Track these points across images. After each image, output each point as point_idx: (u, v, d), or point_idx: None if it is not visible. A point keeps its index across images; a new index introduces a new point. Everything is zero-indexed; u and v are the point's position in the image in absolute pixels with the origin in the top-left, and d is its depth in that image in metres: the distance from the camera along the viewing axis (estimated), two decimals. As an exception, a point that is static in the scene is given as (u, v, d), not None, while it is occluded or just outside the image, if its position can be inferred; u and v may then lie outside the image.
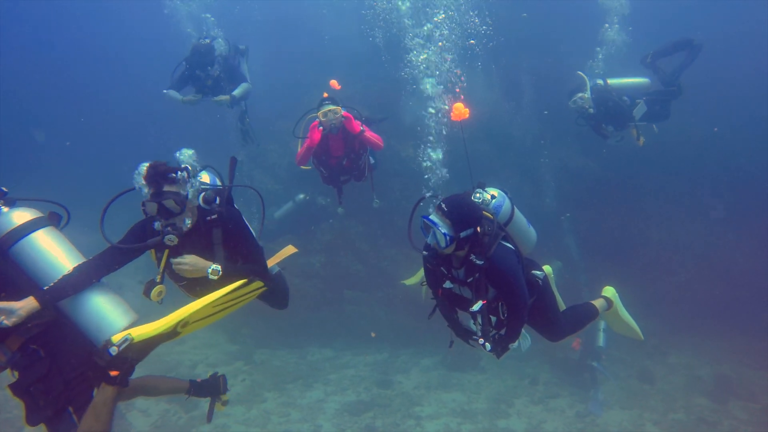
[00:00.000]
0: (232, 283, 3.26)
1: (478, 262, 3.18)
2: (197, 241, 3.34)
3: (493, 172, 10.33)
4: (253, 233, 3.62)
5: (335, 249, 10.17)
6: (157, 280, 3.35)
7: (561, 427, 7.35)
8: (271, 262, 3.94)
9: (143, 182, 3.14)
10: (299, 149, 6.36)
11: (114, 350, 2.66)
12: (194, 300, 3.51)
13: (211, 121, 11.81)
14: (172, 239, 3.13)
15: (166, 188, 3.12)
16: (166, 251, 3.33)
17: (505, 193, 4.00)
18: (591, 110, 6.88)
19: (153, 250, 3.42)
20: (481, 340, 3.29)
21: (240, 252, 3.46)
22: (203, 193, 3.36)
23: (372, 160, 6.80)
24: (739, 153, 11.56)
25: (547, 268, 4.52)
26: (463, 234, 3.10)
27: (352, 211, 9.93)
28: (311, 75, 12.71)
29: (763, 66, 13.20)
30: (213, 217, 3.33)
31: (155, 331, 2.79)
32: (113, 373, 2.76)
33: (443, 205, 3.13)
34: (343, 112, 6.01)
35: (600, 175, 10.69)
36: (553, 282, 4.58)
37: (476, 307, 3.23)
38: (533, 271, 3.61)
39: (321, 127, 5.99)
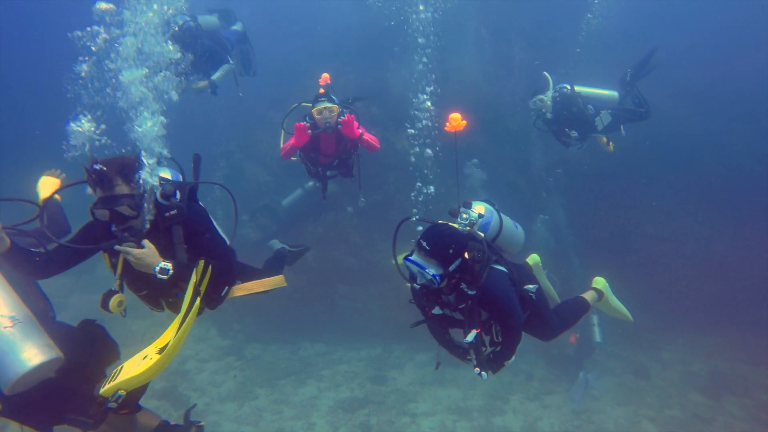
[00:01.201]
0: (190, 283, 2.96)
1: (470, 292, 3.04)
2: (156, 239, 3.00)
3: (489, 165, 10.18)
4: (221, 233, 3.33)
5: (328, 243, 9.99)
6: (115, 288, 3.00)
7: (557, 424, 7.29)
8: (256, 288, 3.57)
9: (91, 180, 2.74)
10: (283, 142, 6.14)
11: (113, 405, 2.49)
12: (158, 311, 3.33)
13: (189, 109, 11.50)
14: (129, 245, 2.82)
15: (118, 190, 2.74)
16: (122, 256, 2.95)
17: (492, 204, 3.89)
18: (548, 115, 6.66)
19: (106, 255, 3.07)
20: (477, 369, 3.17)
21: (204, 251, 3.11)
22: (161, 188, 3.02)
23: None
24: (733, 148, 11.54)
25: (534, 257, 4.47)
26: (452, 268, 2.95)
27: (345, 205, 9.78)
28: (304, 64, 12.46)
29: (757, 61, 13.17)
30: (172, 213, 3.00)
31: (144, 376, 2.53)
32: (122, 411, 2.64)
33: (424, 244, 2.94)
34: (343, 116, 5.76)
35: (596, 168, 10.60)
36: (542, 271, 4.55)
37: (470, 337, 3.09)
38: (526, 287, 3.46)
39: (310, 129, 5.74)
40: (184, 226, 3.04)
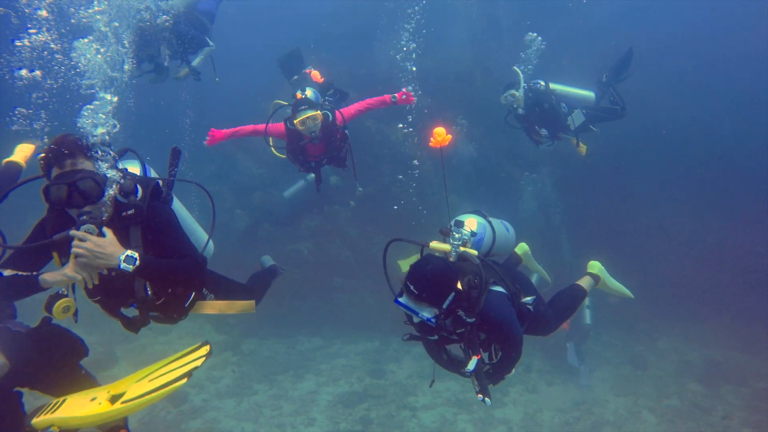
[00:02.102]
0: (154, 283, 2.72)
1: (468, 320, 2.90)
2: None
3: (485, 158, 10.13)
4: (186, 235, 2.93)
5: (323, 235, 9.89)
6: (63, 292, 2.60)
7: (558, 415, 7.30)
8: (225, 309, 3.16)
9: (47, 159, 2.42)
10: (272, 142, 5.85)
11: None
12: (118, 320, 2.96)
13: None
14: (90, 230, 2.46)
15: (81, 165, 2.44)
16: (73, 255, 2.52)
17: (482, 215, 3.77)
18: (520, 110, 6.42)
19: (56, 254, 2.69)
20: (480, 396, 3.08)
21: (166, 252, 2.75)
22: (120, 183, 2.63)
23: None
24: (722, 137, 11.61)
25: (522, 246, 4.38)
26: (446, 305, 2.80)
27: (341, 197, 9.68)
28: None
29: (746, 50, 13.21)
30: (130, 212, 2.63)
31: (85, 421, 2.32)
32: None
33: (411, 288, 2.75)
34: (328, 119, 5.36)
35: (592, 160, 10.57)
36: (532, 258, 4.48)
37: (471, 366, 2.95)
38: (524, 299, 3.34)
39: (293, 142, 5.43)
40: (143, 228, 2.69)
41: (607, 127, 7.31)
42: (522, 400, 7.66)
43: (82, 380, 3.01)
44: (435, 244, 3.15)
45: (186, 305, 3.01)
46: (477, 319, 2.89)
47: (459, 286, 2.85)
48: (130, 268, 2.51)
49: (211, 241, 3.36)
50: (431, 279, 2.75)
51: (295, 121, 5.22)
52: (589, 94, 6.72)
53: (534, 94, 6.41)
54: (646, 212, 10.60)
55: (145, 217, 2.67)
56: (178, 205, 3.25)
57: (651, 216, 10.56)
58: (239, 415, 7.37)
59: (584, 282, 4.26)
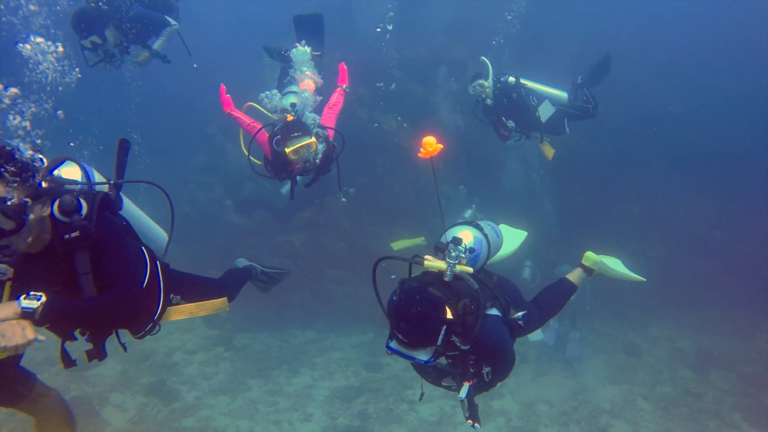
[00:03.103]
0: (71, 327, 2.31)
1: (463, 347, 2.68)
2: (48, 267, 2.25)
3: (478, 147, 10.03)
4: (129, 256, 2.47)
5: (316, 226, 9.73)
6: None
7: (556, 405, 7.33)
8: (196, 311, 2.92)
9: None
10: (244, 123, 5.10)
11: None
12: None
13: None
14: (3, 272, 2.11)
15: None
16: None
17: (477, 227, 3.54)
18: (488, 101, 6.17)
19: None
20: (470, 422, 2.94)
21: (105, 277, 2.34)
22: (59, 199, 2.23)
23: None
24: (713, 128, 11.69)
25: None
26: (440, 340, 2.54)
27: (334, 188, 9.50)
28: (288, 39, 11.96)
29: (737, 41, 13.31)
30: (74, 235, 2.22)
31: None
32: None
33: (400, 337, 2.50)
34: (323, 143, 4.72)
35: (584, 149, 10.57)
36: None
37: (463, 393, 2.78)
38: (515, 316, 3.17)
39: (282, 175, 4.91)
40: (91, 251, 2.29)
41: (557, 142, 7.13)
42: (519, 391, 7.66)
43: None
44: (430, 262, 2.89)
45: (155, 317, 2.74)
46: (471, 346, 2.70)
47: (450, 315, 2.61)
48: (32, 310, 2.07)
49: (166, 238, 3.11)
50: (419, 325, 2.48)
51: (286, 150, 4.50)
52: (561, 93, 6.49)
53: (502, 85, 6.18)
54: (638, 201, 10.66)
55: (94, 238, 2.28)
56: (129, 207, 2.95)
57: (643, 204, 10.62)
58: (234, 412, 7.23)
59: (574, 276, 4.06)
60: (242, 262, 4.53)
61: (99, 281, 2.31)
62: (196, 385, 7.80)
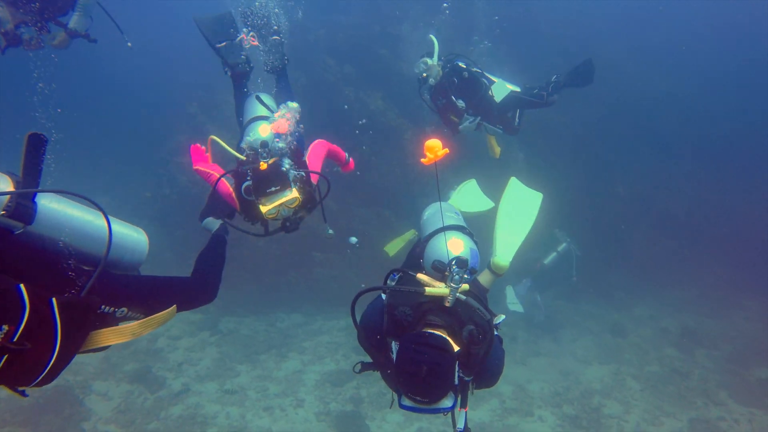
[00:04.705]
0: None
1: (466, 378, 2.35)
2: None
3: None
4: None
5: (302, 209, 9.51)
6: None
7: (547, 386, 7.37)
8: (139, 330, 2.24)
9: None
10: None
11: None
12: None
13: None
14: None
15: None
16: None
17: (468, 233, 3.12)
18: (431, 81, 5.56)
19: None
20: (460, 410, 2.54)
21: None
22: None
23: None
24: (697, 113, 11.83)
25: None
26: (457, 380, 2.20)
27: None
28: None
29: (722, 25, 13.42)
30: None
31: None
32: None
33: (419, 399, 2.13)
34: (308, 199, 3.63)
35: (571, 130, 10.55)
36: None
37: (461, 423, 2.43)
38: (497, 322, 2.73)
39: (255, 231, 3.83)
40: None
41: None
42: (511, 374, 7.68)
43: None
44: (430, 290, 2.47)
45: (44, 372, 2.00)
46: (474, 377, 2.40)
47: (456, 346, 2.25)
48: None
49: (134, 235, 2.59)
50: (435, 380, 2.11)
51: (262, 209, 3.37)
52: (515, 88, 5.88)
53: (452, 65, 5.64)
54: (622, 183, 10.73)
55: None
56: (48, 209, 2.22)
57: (627, 187, 10.69)
58: (223, 399, 7.06)
59: (484, 279, 3.45)
60: (212, 224, 3.68)
61: None
62: (183, 371, 7.59)
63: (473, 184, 4.52)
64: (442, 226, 3.04)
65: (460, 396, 2.35)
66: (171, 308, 2.40)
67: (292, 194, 3.37)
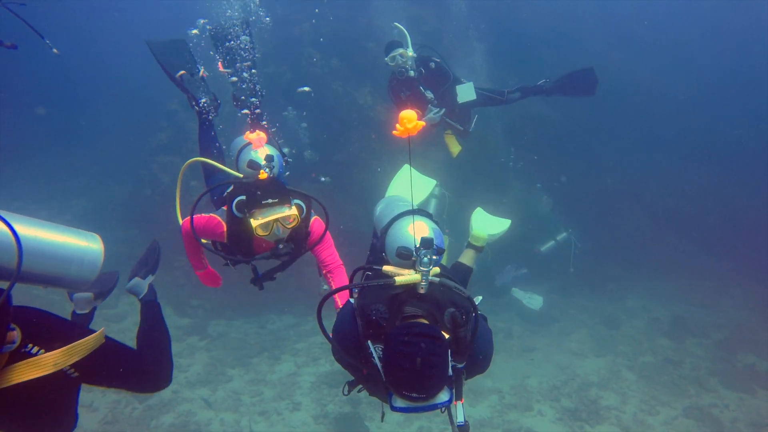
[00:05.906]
0: None
1: (458, 366, 2.13)
2: None
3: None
4: None
5: (290, 207, 9.29)
6: None
7: (546, 380, 7.33)
8: (63, 359, 1.76)
9: None
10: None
11: None
12: None
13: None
14: None
15: None
16: None
17: (427, 215, 2.91)
18: (412, 72, 5.54)
19: None
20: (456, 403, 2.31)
21: None
22: None
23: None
24: (684, 106, 11.96)
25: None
26: (451, 370, 2.01)
27: (312, 169, 9.10)
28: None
29: (712, 18, 13.58)
30: None
31: None
32: None
33: (415, 396, 1.91)
34: (305, 216, 3.39)
35: (559, 123, 10.55)
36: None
37: (460, 417, 2.20)
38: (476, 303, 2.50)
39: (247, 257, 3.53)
40: None
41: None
42: (508, 367, 7.63)
43: None
44: (401, 278, 2.22)
45: None
46: (465, 365, 2.19)
47: (445, 335, 2.05)
48: None
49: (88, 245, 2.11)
50: (432, 372, 1.90)
51: (254, 223, 3.08)
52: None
53: (419, 55, 5.69)
54: (611, 173, 10.79)
55: None
56: None
57: (616, 179, 10.75)
58: (216, 405, 6.84)
59: (466, 258, 3.51)
60: (139, 286, 2.69)
61: None
62: (172, 377, 7.32)
63: (406, 169, 4.21)
64: (397, 214, 2.78)
65: (454, 388, 2.14)
66: (99, 331, 1.95)
67: (291, 211, 3.11)
